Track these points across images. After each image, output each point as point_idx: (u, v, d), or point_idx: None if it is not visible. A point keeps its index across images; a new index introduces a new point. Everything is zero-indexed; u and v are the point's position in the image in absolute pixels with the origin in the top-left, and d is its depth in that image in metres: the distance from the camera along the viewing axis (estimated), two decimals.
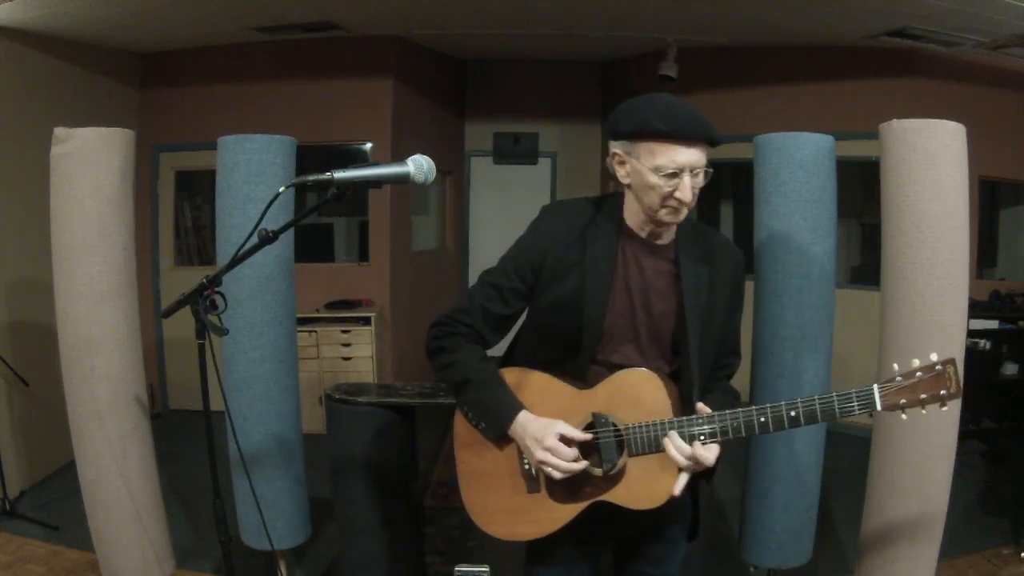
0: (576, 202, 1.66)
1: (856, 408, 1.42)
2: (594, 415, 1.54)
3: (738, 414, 1.46)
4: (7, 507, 3.53)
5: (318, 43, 5.17)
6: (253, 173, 2.50)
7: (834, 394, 1.42)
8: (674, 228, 1.58)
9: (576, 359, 1.58)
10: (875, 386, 1.41)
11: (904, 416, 1.42)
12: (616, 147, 1.52)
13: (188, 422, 5.12)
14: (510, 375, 1.63)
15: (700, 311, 1.57)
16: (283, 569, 2.82)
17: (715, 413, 1.47)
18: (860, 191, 5.37)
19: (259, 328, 2.56)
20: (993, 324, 4.58)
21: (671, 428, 1.49)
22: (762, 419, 1.45)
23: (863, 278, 5.24)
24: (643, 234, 1.58)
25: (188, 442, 4.58)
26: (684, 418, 1.49)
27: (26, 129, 4.00)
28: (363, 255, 5.61)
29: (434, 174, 1.59)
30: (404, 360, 5.67)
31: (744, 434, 1.47)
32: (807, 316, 2.41)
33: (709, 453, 1.46)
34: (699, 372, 1.57)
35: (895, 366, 1.43)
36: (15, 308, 4.02)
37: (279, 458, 2.64)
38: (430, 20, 4.92)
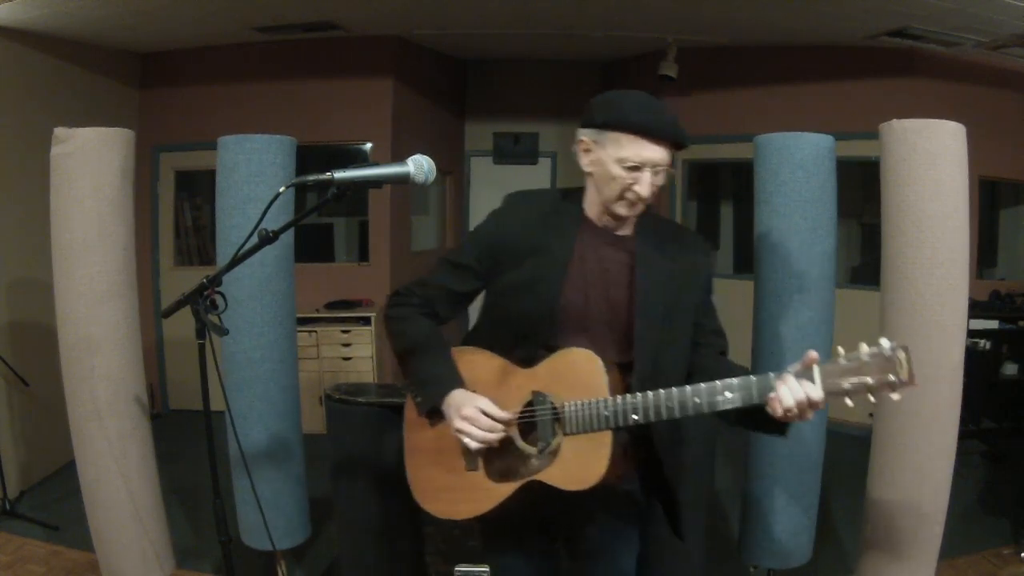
0: (541, 192, 1.70)
1: None
2: (533, 393, 1.55)
3: (672, 394, 1.45)
4: (7, 507, 3.53)
5: (318, 43, 5.17)
6: (253, 173, 2.50)
7: (771, 374, 1.39)
8: (633, 220, 1.61)
9: (528, 345, 1.59)
10: (816, 367, 1.36)
11: (850, 403, 1.35)
12: (585, 134, 1.55)
13: (188, 422, 5.11)
14: (457, 352, 1.66)
15: (655, 304, 1.57)
16: (283, 569, 2.82)
17: (655, 392, 1.45)
18: (860, 191, 5.37)
19: (259, 328, 2.56)
20: (993, 324, 4.58)
21: (607, 408, 1.47)
22: (696, 399, 1.43)
23: (863, 278, 5.24)
24: (602, 224, 1.61)
25: (188, 442, 4.58)
26: (619, 396, 1.48)
27: (26, 129, 4.00)
28: (363, 255, 5.61)
29: (434, 174, 1.59)
30: None
31: (679, 415, 1.45)
32: (807, 316, 2.41)
33: (817, 391, 1.37)
34: (645, 363, 1.56)
35: (840, 349, 1.35)
36: (15, 308, 4.02)
37: (279, 458, 2.64)
38: (430, 20, 4.92)
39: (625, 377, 1.58)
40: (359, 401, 2.58)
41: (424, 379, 1.63)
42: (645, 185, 1.49)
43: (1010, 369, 4.70)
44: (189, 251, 5.72)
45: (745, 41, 5.21)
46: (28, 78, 4.21)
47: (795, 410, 1.37)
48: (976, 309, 4.44)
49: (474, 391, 1.59)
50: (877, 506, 2.42)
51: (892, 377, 1.30)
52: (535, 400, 1.55)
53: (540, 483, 1.54)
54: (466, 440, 1.54)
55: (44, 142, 2.47)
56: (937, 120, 2.24)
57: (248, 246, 1.64)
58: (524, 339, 1.60)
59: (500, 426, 1.54)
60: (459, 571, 2.06)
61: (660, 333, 1.57)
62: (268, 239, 1.59)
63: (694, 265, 1.64)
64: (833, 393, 1.35)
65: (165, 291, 5.47)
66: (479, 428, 1.53)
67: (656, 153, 1.48)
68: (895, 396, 1.33)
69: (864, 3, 3.87)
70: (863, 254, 5.63)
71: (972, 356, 4.27)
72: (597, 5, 4.39)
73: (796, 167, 2.38)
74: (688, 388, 1.44)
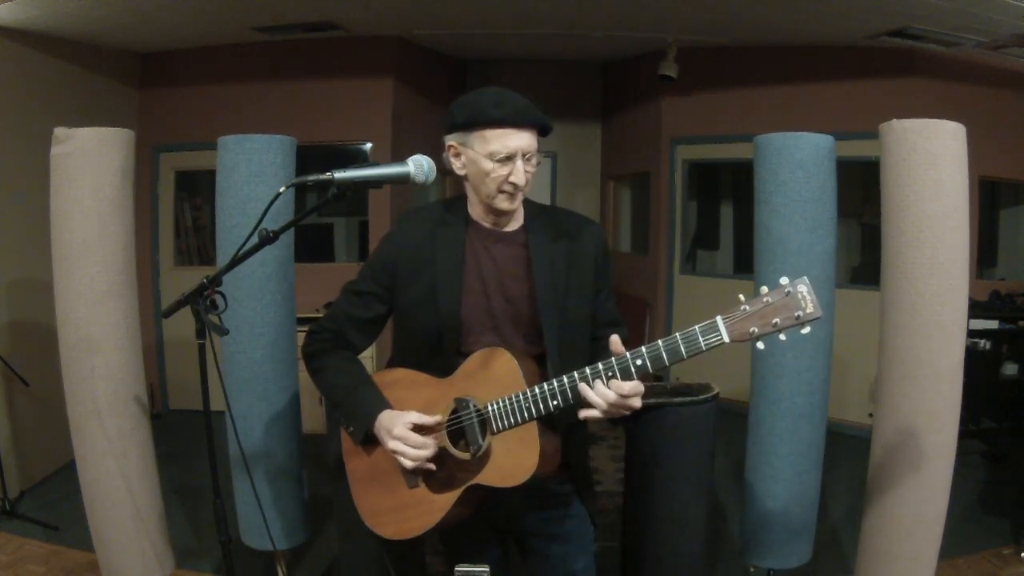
0: (427, 205, 1.76)
1: (703, 343, 1.36)
2: (456, 400, 1.57)
3: (585, 371, 1.45)
4: (7, 507, 3.53)
5: (318, 43, 5.17)
6: (253, 173, 2.50)
7: (677, 334, 1.39)
8: (520, 214, 1.65)
9: (442, 355, 1.62)
10: (719, 317, 1.36)
11: (761, 345, 1.36)
12: (451, 139, 1.59)
13: (188, 422, 5.12)
14: (377, 377, 1.69)
15: (556, 291, 1.60)
16: (283, 569, 2.82)
17: (566, 375, 1.46)
18: (860, 191, 5.37)
19: (259, 328, 2.56)
20: (993, 324, 4.58)
21: (527, 400, 1.48)
22: (609, 373, 1.43)
23: (863, 278, 5.24)
24: (488, 224, 1.64)
25: (188, 442, 4.58)
26: (538, 386, 1.49)
27: (26, 129, 4.00)
28: (363, 255, 5.61)
29: (434, 174, 1.59)
30: None
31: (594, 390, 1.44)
32: None
33: (628, 388, 1.40)
34: (559, 351, 1.59)
35: (741, 296, 1.36)
36: (15, 308, 4.02)
37: (279, 458, 2.64)
38: (430, 20, 4.92)
39: (540, 367, 1.61)
40: None
41: (352, 409, 1.65)
42: (520, 173, 1.52)
43: (1010, 369, 4.70)
44: (189, 251, 5.72)
45: (745, 41, 5.21)
46: (28, 78, 4.21)
47: (612, 410, 1.41)
48: (976, 309, 4.44)
49: (400, 410, 1.61)
50: (877, 506, 2.42)
51: (798, 313, 1.33)
52: (458, 406, 1.57)
53: (480, 487, 1.56)
54: (402, 460, 1.56)
55: (44, 142, 2.47)
56: (937, 120, 2.24)
57: (248, 246, 1.63)
58: (436, 350, 1.62)
59: (432, 441, 1.55)
60: (459, 571, 2.06)
61: (563, 319, 1.61)
62: (268, 239, 1.59)
63: (587, 249, 1.66)
64: (742, 339, 1.36)
65: (165, 291, 5.46)
66: (411, 446, 1.54)
67: (523, 140, 1.51)
68: (805, 331, 1.36)
69: (864, 3, 3.86)
70: (863, 254, 5.63)
71: (972, 356, 4.28)
72: (597, 5, 4.39)
73: (796, 167, 2.38)
74: (600, 364, 1.44)
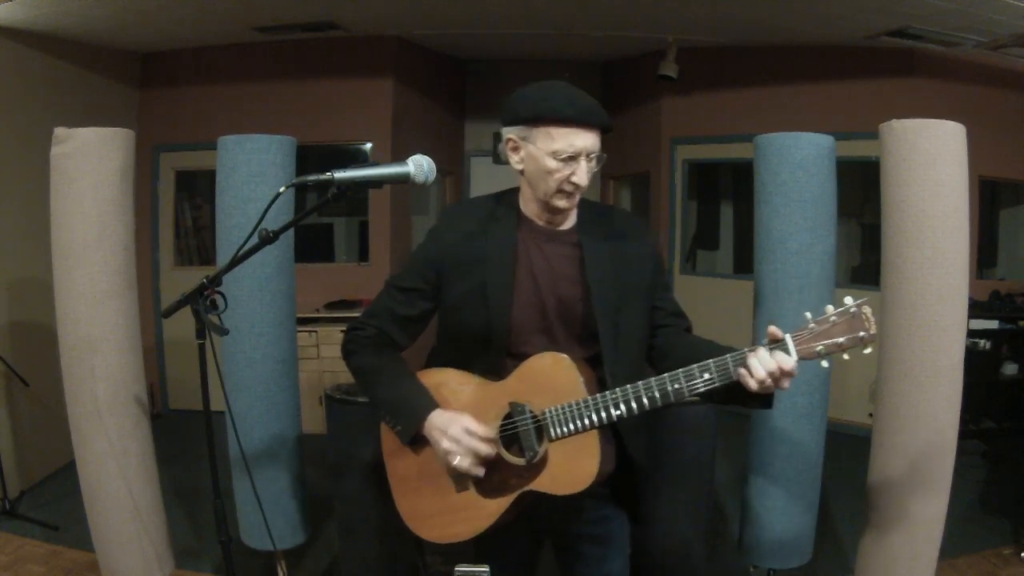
0: (475, 199, 1.69)
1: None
2: (510, 404, 1.53)
3: (651, 383, 1.44)
4: (7, 507, 3.53)
5: (318, 43, 5.17)
6: (253, 173, 2.50)
7: (746, 349, 1.40)
8: (573, 212, 1.60)
9: (489, 355, 1.58)
10: (788, 335, 1.39)
11: (825, 364, 1.39)
12: (511, 132, 1.54)
13: (188, 422, 5.12)
14: (424, 376, 1.64)
15: (610, 292, 1.56)
16: (283, 569, 2.82)
17: (634, 385, 1.45)
18: (860, 191, 5.37)
19: (259, 328, 2.56)
20: (993, 324, 4.58)
21: (588, 408, 1.47)
22: (676, 386, 1.43)
23: (863, 278, 5.24)
24: (541, 222, 1.60)
25: (188, 442, 4.58)
26: (600, 395, 1.47)
27: (26, 129, 4.00)
28: (363, 255, 5.61)
29: (434, 174, 1.58)
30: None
31: (661, 403, 1.45)
32: None
33: (788, 361, 1.38)
34: (615, 354, 1.56)
35: (807, 315, 1.40)
36: (15, 308, 4.02)
37: (279, 458, 2.64)
38: (430, 20, 4.92)
39: (594, 371, 1.58)
40: (359, 401, 2.57)
41: (400, 408, 1.60)
42: (583, 174, 1.49)
43: (1010, 369, 4.70)
44: (189, 251, 5.72)
45: (745, 41, 5.21)
46: (28, 78, 4.21)
47: (768, 380, 1.37)
48: (976, 309, 4.44)
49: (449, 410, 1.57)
50: (877, 506, 2.42)
51: (862, 333, 1.36)
52: (513, 411, 1.53)
53: (532, 493, 1.53)
54: (454, 462, 1.52)
55: (44, 142, 2.47)
56: (937, 120, 2.24)
57: (248, 246, 1.63)
58: (484, 349, 1.58)
59: (486, 445, 1.52)
60: (459, 571, 2.05)
61: (618, 322, 1.57)
62: (268, 239, 1.59)
63: (638, 249, 1.62)
64: (808, 357, 1.38)
65: (165, 291, 5.46)
66: (468, 449, 1.51)
67: (588, 140, 1.48)
68: (867, 351, 1.39)
69: (864, 3, 3.86)
70: (863, 254, 5.63)
71: (972, 356, 4.28)
72: (597, 5, 4.39)
73: (796, 167, 2.38)
74: (666, 375, 1.44)
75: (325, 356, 5.12)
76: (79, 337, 2.48)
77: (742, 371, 1.39)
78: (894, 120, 2.28)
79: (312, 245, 5.63)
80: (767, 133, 2.47)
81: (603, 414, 1.46)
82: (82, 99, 4.67)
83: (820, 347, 1.37)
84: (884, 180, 2.35)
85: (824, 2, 3.99)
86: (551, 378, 1.51)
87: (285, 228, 1.63)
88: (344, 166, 1.52)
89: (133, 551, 2.58)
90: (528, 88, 1.53)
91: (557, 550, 1.78)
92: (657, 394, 1.44)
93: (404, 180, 1.55)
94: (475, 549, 1.77)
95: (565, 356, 1.51)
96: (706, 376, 1.41)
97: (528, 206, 1.60)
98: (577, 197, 1.54)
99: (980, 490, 4.03)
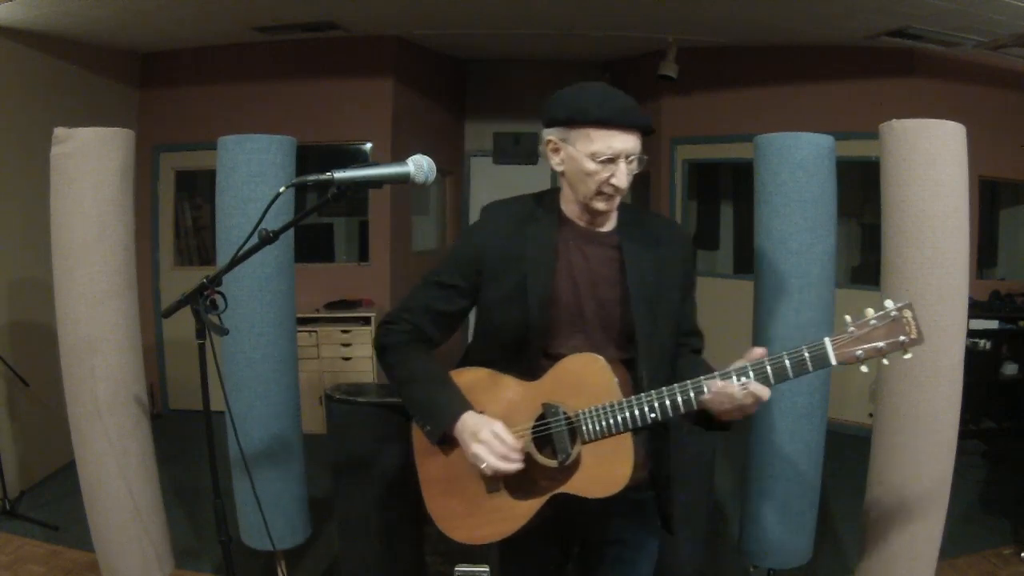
0: (516, 198, 1.67)
1: (810, 364, 1.37)
2: (544, 405, 1.51)
3: (687, 385, 1.44)
4: (7, 507, 3.53)
5: (318, 43, 5.17)
6: (253, 173, 2.50)
7: (784, 353, 1.38)
8: (614, 214, 1.59)
9: (526, 355, 1.56)
10: (826, 339, 1.36)
11: (864, 368, 1.36)
12: (551, 134, 1.54)
13: (188, 422, 5.11)
14: (457, 375, 1.62)
15: (648, 295, 1.55)
16: (283, 569, 2.82)
17: (668, 388, 1.45)
18: (860, 191, 5.37)
19: (259, 328, 2.56)
20: (993, 324, 4.58)
21: (623, 410, 1.46)
22: (714, 386, 1.42)
23: (863, 278, 5.24)
24: (582, 222, 1.58)
25: (188, 442, 4.58)
26: (634, 396, 1.47)
27: (26, 129, 4.00)
28: (363, 255, 5.61)
29: (434, 174, 1.59)
30: None
31: (696, 407, 1.44)
32: (807, 316, 2.41)
33: (762, 391, 1.39)
34: (650, 357, 1.55)
35: (847, 318, 1.37)
36: (15, 308, 4.02)
37: (279, 458, 2.64)
38: (430, 20, 4.92)
39: (629, 373, 1.56)
40: (359, 401, 2.58)
41: (429, 408, 1.59)
42: (622, 176, 1.47)
43: (1010, 369, 4.70)
44: (189, 251, 5.72)
45: (745, 41, 5.20)
46: (28, 78, 4.21)
47: (730, 407, 1.40)
48: (976, 309, 4.43)
49: (482, 412, 1.56)
50: (877, 506, 2.42)
51: (903, 337, 1.32)
52: (547, 412, 1.51)
53: (564, 495, 1.52)
54: (483, 466, 1.50)
55: (44, 142, 2.47)
56: (937, 120, 2.24)
57: (248, 246, 1.63)
58: (521, 349, 1.56)
59: (519, 450, 1.50)
60: (459, 571, 2.05)
61: (654, 326, 1.56)
62: (268, 239, 1.59)
63: (676, 255, 1.61)
64: (847, 361, 1.35)
65: (165, 291, 5.46)
66: (498, 453, 1.49)
67: (628, 143, 1.46)
68: (907, 356, 1.35)
69: (864, 3, 3.86)
70: (863, 254, 5.63)
71: (972, 356, 4.28)
72: (597, 5, 4.39)
73: (796, 167, 2.38)
74: (701, 378, 1.43)
75: (325, 356, 5.12)
76: (79, 337, 2.48)
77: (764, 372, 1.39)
78: (894, 120, 2.28)
79: (312, 245, 5.63)
80: (767, 133, 2.47)
81: (637, 416, 1.45)
82: (82, 99, 4.67)
83: (860, 351, 1.34)
84: (884, 180, 2.35)
85: (824, 2, 3.99)
86: (585, 379, 1.50)
87: (285, 228, 1.63)
88: (344, 166, 1.52)
89: (133, 551, 2.58)
90: (567, 90, 1.52)
91: (584, 553, 1.76)
92: (692, 396, 1.44)
93: (404, 180, 1.55)
94: (499, 554, 1.76)
95: (600, 357, 1.50)
96: (743, 380, 1.41)
97: (569, 207, 1.59)
98: (617, 200, 1.53)
99: (980, 490, 4.03)
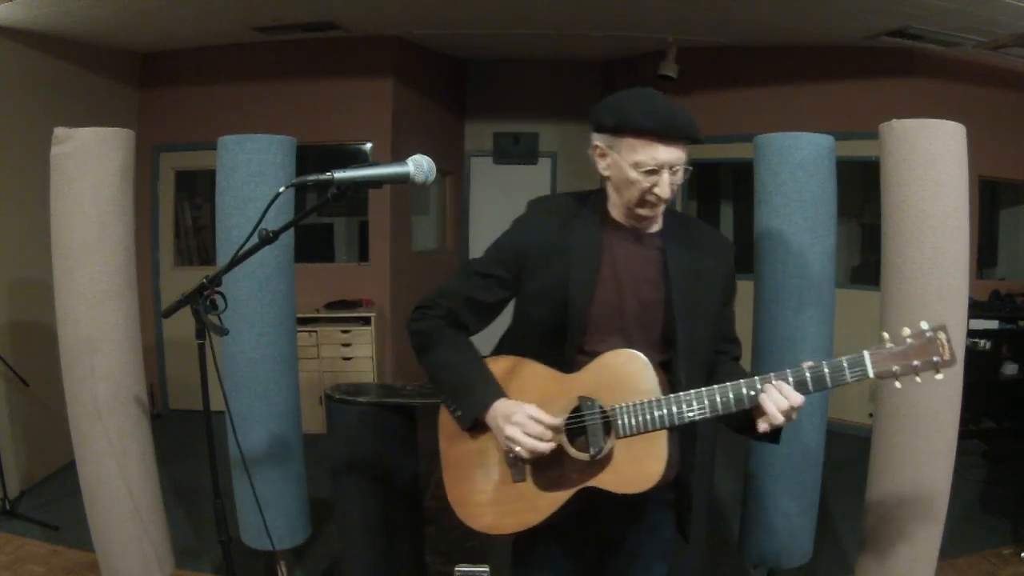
0: (562, 195, 1.68)
1: (848, 376, 1.40)
2: (580, 398, 1.51)
3: (727, 388, 1.44)
4: (7, 507, 3.53)
5: (318, 43, 5.17)
6: (253, 173, 2.50)
7: (824, 363, 1.41)
8: (659, 217, 1.59)
9: (563, 350, 1.56)
10: (866, 352, 1.39)
11: (898, 384, 1.40)
12: (598, 140, 1.54)
13: (188, 422, 5.11)
14: (493, 363, 1.62)
15: (689, 299, 1.55)
16: (283, 569, 2.82)
17: (708, 387, 1.46)
18: (860, 191, 5.37)
19: (259, 328, 2.56)
20: (993, 324, 4.58)
21: (660, 408, 1.46)
22: (751, 392, 1.43)
23: (863, 278, 5.23)
24: (627, 224, 1.59)
25: (188, 442, 4.58)
26: (673, 395, 1.47)
27: (26, 129, 4.00)
28: (363, 255, 5.61)
29: (434, 174, 1.58)
30: (404, 360, 5.67)
31: (735, 408, 1.45)
32: (807, 316, 2.41)
33: (798, 400, 1.43)
34: (688, 360, 1.55)
35: (885, 335, 1.40)
36: (15, 308, 4.02)
37: (279, 458, 2.64)
38: (430, 20, 4.92)
39: (666, 375, 1.56)
40: (359, 401, 2.58)
41: (461, 392, 1.58)
42: (665, 187, 1.47)
43: (1010, 369, 4.70)
44: (189, 251, 5.72)
45: (745, 41, 5.21)
46: (28, 78, 4.21)
47: (781, 418, 1.43)
48: (976, 309, 4.43)
49: (515, 400, 1.55)
50: (877, 506, 2.42)
51: (936, 358, 1.36)
52: (583, 405, 1.50)
53: (591, 490, 1.51)
54: (517, 449, 1.49)
55: (44, 142, 2.47)
56: (937, 120, 2.24)
57: (248, 246, 1.63)
58: (557, 344, 1.56)
59: (550, 433, 1.50)
60: (459, 571, 2.06)
61: (693, 329, 1.56)
62: (268, 239, 1.59)
63: (718, 264, 1.62)
64: (884, 376, 1.39)
65: (165, 291, 5.46)
66: (531, 435, 1.48)
67: (671, 154, 1.45)
68: (939, 376, 1.39)
69: (864, 3, 3.87)
70: (863, 254, 5.63)
71: (972, 356, 4.28)
72: (597, 5, 4.39)
73: (796, 167, 2.38)
74: (742, 382, 1.44)
75: (325, 356, 5.13)
76: (79, 337, 2.48)
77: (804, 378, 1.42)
78: (894, 120, 2.28)
79: (312, 245, 5.63)
80: (767, 133, 2.47)
81: (674, 415, 1.45)
82: (82, 99, 4.67)
83: (896, 368, 1.38)
84: (884, 180, 2.35)
85: (824, 2, 3.99)
86: (624, 375, 1.49)
87: (285, 228, 1.63)
88: (344, 166, 1.52)
89: (133, 551, 2.58)
90: (616, 96, 1.51)
91: (601, 554, 1.75)
92: (731, 397, 1.44)
93: (404, 180, 1.55)
94: (512, 554, 1.74)
95: (641, 355, 1.49)
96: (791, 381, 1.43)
97: (614, 209, 1.59)
98: (661, 207, 1.53)
99: (980, 490, 4.03)
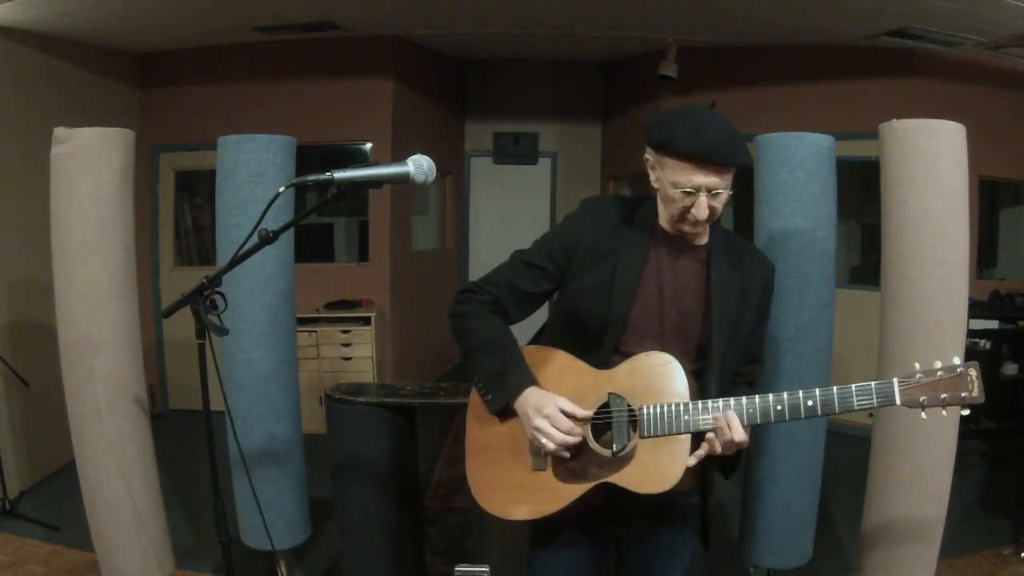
0: (615, 198, 1.73)
1: (875, 400, 1.41)
2: (610, 395, 1.53)
3: (755, 400, 1.46)
4: (7, 507, 3.53)
5: (318, 43, 5.17)
6: (253, 173, 2.50)
7: (853, 386, 1.43)
8: (707, 231, 1.62)
9: (599, 349, 1.59)
10: (895, 379, 1.41)
11: (924, 415, 1.42)
12: (648, 152, 1.57)
13: (188, 422, 5.11)
14: (529, 351, 1.65)
15: (727, 314, 1.58)
16: (283, 569, 2.82)
17: (732, 399, 1.47)
18: (860, 191, 5.37)
19: (259, 328, 2.56)
20: (993, 324, 4.58)
21: (687, 412, 1.47)
22: (779, 407, 1.45)
23: (863, 278, 5.23)
24: (674, 234, 1.61)
25: (188, 442, 4.58)
26: (700, 401, 1.48)
27: (26, 129, 4.00)
28: (363, 255, 5.61)
29: (434, 174, 1.59)
30: (404, 360, 5.67)
31: (760, 421, 1.46)
32: (807, 316, 2.41)
33: (740, 437, 1.44)
34: (720, 372, 1.57)
35: (916, 365, 1.42)
36: (15, 308, 4.02)
37: (279, 458, 2.64)
38: (430, 20, 4.92)
39: (698, 385, 1.58)
40: (359, 401, 2.58)
41: (495, 376, 1.60)
42: (702, 208, 1.48)
43: (1010, 369, 4.70)
44: (189, 251, 5.72)
45: (745, 41, 5.20)
46: (28, 78, 4.21)
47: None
48: (976, 309, 4.44)
49: (547, 390, 1.58)
50: (877, 506, 2.42)
51: (964, 394, 1.38)
52: (612, 402, 1.53)
53: (610, 486, 1.52)
54: (544, 440, 1.52)
55: (44, 142, 2.47)
56: (937, 120, 2.24)
57: (248, 246, 1.63)
58: (596, 342, 1.59)
59: (579, 429, 1.52)
60: (459, 571, 2.05)
61: (728, 343, 1.58)
62: (268, 239, 1.59)
63: (759, 284, 1.64)
64: (911, 404, 1.41)
65: (165, 291, 5.47)
66: (559, 429, 1.51)
67: (709, 180, 1.46)
68: (964, 412, 1.42)
69: (864, 3, 3.87)
70: (863, 254, 5.63)
71: (972, 356, 4.27)
72: (597, 5, 4.39)
73: (796, 167, 2.38)
74: (770, 396, 1.45)
75: (325, 356, 5.13)
76: (79, 337, 2.48)
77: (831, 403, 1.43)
78: (894, 120, 2.28)
79: (312, 245, 5.63)
80: (767, 133, 2.47)
81: (700, 422, 1.47)
82: (82, 99, 4.67)
83: (924, 398, 1.40)
84: (884, 180, 2.35)
85: (824, 2, 3.99)
86: (657, 378, 1.51)
87: (285, 228, 1.63)
88: (344, 166, 1.52)
89: (133, 551, 2.58)
90: (670, 111, 1.52)
91: (619, 554, 1.76)
92: (757, 412, 1.46)
93: (404, 180, 1.55)
94: (530, 540, 1.74)
95: (675, 360, 1.51)
96: (809, 404, 1.43)
97: (662, 219, 1.62)
98: (701, 227, 1.55)
99: (980, 490, 4.03)
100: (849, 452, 4.05)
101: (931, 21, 3.99)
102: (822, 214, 2.41)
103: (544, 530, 1.69)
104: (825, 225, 2.42)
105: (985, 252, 5.27)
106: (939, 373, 1.40)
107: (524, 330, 1.70)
